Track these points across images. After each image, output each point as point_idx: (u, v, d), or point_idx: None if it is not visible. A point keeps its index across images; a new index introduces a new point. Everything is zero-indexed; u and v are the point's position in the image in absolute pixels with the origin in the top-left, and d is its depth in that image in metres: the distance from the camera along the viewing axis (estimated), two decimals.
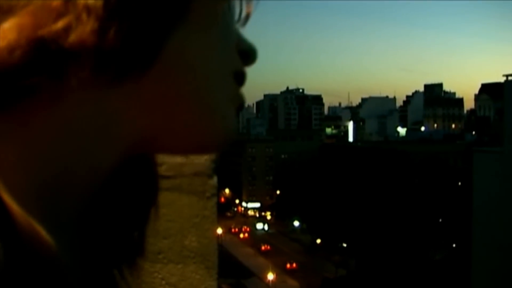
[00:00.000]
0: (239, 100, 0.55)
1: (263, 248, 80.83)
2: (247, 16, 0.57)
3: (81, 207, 0.49)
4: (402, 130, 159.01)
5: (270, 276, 63.92)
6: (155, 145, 0.53)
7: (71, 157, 0.46)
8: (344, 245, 72.96)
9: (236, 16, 0.56)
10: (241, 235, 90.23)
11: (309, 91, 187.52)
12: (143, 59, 0.45)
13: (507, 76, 29.95)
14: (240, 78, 0.55)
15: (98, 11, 0.41)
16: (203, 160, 1.49)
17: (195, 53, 0.49)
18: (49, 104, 0.43)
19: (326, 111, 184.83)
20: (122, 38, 0.43)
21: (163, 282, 1.50)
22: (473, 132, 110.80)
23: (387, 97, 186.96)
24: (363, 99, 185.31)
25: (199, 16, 0.49)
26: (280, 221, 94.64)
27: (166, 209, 1.48)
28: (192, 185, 1.49)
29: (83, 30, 0.41)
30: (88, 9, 0.41)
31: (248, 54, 0.57)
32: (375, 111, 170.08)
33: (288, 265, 70.72)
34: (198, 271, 1.51)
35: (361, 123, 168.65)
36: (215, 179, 1.51)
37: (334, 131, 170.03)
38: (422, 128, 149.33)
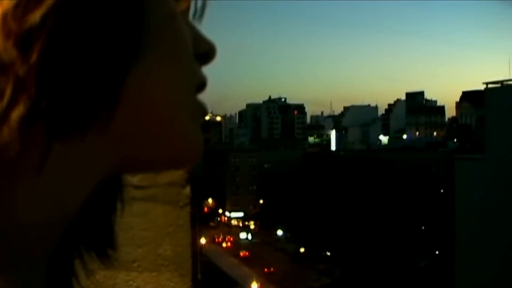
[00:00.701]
0: (203, 112, 0.55)
1: (243, 254, 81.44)
2: (203, 9, 0.55)
3: (50, 248, 0.48)
4: (384, 138, 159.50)
5: (254, 286, 63.83)
6: (126, 169, 0.53)
7: (41, 205, 0.45)
8: (328, 253, 73.02)
9: (192, 13, 0.55)
10: (224, 245, 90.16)
11: (292, 100, 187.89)
12: (103, 108, 0.44)
13: (487, 84, 30.19)
14: (201, 87, 0.55)
15: (30, 90, 0.39)
16: (176, 170, 1.51)
17: (154, 82, 0.49)
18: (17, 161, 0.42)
19: (308, 120, 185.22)
20: (70, 99, 0.42)
21: None
22: (455, 140, 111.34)
23: (369, 105, 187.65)
24: (346, 108, 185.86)
25: (153, 47, 0.48)
26: (264, 231, 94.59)
27: (141, 219, 1.50)
28: (166, 194, 1.52)
29: (24, 105, 0.39)
30: (21, 84, 0.39)
31: (207, 55, 0.56)
32: (358, 119, 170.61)
33: (266, 269, 71.42)
34: (173, 279, 1.53)
35: (343, 132, 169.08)
36: (188, 189, 1.54)
37: (317, 140, 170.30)
38: (405, 136, 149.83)
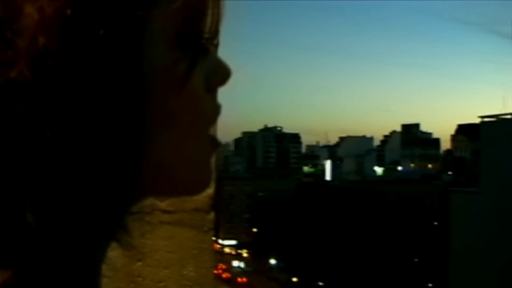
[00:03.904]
0: (215, 147, 0.57)
1: (240, 280, 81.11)
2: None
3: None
4: (379, 170, 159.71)
5: None
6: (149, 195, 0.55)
7: None
8: (321, 284, 72.73)
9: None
10: (224, 275, 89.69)
11: (288, 129, 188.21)
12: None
13: (482, 117, 30.42)
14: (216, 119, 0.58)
15: None
16: (202, 197, 1.62)
17: (173, 153, 0.51)
18: None
19: (304, 149, 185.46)
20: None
21: None
22: (450, 172, 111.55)
23: (364, 136, 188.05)
24: (341, 138, 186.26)
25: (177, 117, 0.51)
26: (257, 259, 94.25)
27: (168, 241, 1.61)
28: (192, 219, 1.63)
29: None
30: None
31: (223, 81, 0.57)
32: (353, 150, 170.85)
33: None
34: None
35: (338, 162, 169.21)
36: (212, 214, 1.65)
37: (312, 170, 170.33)
38: (399, 168, 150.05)
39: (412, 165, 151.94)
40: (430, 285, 59.43)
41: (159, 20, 0.47)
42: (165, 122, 0.49)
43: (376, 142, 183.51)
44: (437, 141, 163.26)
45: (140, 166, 0.47)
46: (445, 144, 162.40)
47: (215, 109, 0.56)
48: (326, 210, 75.29)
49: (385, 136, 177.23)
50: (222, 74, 0.57)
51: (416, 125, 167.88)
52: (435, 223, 63.82)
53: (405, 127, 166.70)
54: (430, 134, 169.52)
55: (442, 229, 48.51)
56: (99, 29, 0.42)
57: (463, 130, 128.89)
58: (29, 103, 0.40)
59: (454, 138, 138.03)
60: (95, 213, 0.45)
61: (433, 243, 59.79)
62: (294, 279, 77.71)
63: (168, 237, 1.61)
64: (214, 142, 0.56)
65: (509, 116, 28.91)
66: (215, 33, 0.54)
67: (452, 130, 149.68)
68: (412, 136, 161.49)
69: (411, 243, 63.63)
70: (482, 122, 30.50)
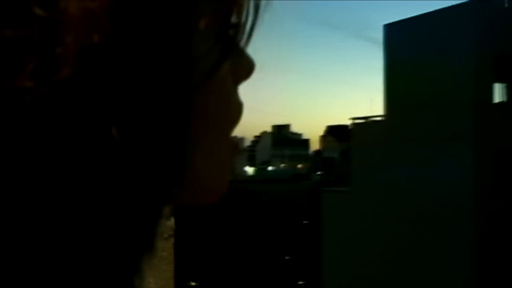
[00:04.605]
0: (236, 150, 0.56)
1: None
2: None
3: None
4: (250, 170, 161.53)
5: None
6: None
7: None
8: (193, 283, 72.55)
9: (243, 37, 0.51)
10: None
11: None
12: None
13: (353, 119, 31.30)
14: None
15: None
16: None
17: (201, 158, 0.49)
18: None
19: None
20: None
21: None
22: (319, 172, 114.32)
23: (235, 137, 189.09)
24: None
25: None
26: None
27: None
28: None
29: None
30: None
31: (248, 75, 0.56)
32: None
33: None
34: None
35: None
36: (172, 221, 1.53)
37: None
38: (270, 168, 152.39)
39: (282, 165, 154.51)
40: (300, 282, 60.59)
41: (205, 15, 0.46)
42: (201, 124, 0.47)
43: (247, 143, 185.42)
44: (307, 142, 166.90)
45: (184, 170, 0.45)
46: (315, 145, 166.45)
47: (240, 107, 0.54)
48: (195, 208, 75.12)
49: (256, 137, 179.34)
50: (247, 66, 0.55)
51: (287, 126, 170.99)
52: (305, 221, 65.19)
53: (276, 127, 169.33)
54: (300, 135, 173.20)
55: (313, 227, 49.61)
56: (150, 25, 0.40)
57: (332, 131, 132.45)
58: (81, 102, 0.38)
59: (323, 138, 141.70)
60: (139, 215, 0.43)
61: (304, 241, 61.09)
62: None
63: None
64: (236, 147, 0.55)
65: (377, 118, 29.87)
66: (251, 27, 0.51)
67: (321, 131, 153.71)
68: (282, 137, 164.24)
69: (282, 242, 64.73)
70: (353, 124, 31.35)
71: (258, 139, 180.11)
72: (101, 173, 0.39)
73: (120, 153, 0.39)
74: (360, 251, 26.67)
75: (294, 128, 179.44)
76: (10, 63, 0.35)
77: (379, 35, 25.30)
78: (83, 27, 0.37)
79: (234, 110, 0.53)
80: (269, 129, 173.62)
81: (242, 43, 0.51)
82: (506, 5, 23.12)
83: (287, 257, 64.57)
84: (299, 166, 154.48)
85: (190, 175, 0.47)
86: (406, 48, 25.03)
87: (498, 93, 23.62)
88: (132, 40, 0.40)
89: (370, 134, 28.45)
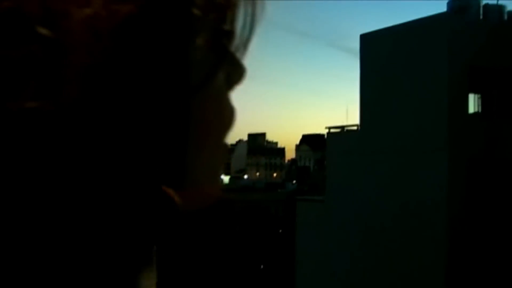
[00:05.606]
0: (227, 154, 0.56)
1: None
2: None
3: None
4: (225, 178, 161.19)
5: None
6: None
7: None
8: None
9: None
10: None
11: None
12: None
13: (329, 128, 31.33)
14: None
15: None
16: None
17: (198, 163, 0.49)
18: None
19: None
20: None
21: None
22: (294, 181, 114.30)
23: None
24: None
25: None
26: None
27: None
28: None
29: None
30: None
31: (240, 80, 0.56)
32: None
33: None
34: None
35: None
36: None
37: None
38: (245, 176, 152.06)
39: (257, 173, 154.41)
40: None
41: (202, 22, 0.46)
42: (197, 129, 0.47)
43: None
44: (282, 151, 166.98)
45: (184, 175, 0.46)
46: (290, 154, 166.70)
47: (233, 112, 0.54)
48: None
49: (232, 145, 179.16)
50: (239, 72, 0.55)
51: (262, 135, 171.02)
52: (280, 230, 65.10)
53: (252, 136, 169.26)
54: (275, 143, 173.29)
55: (287, 236, 49.52)
56: (151, 44, 0.41)
57: (307, 140, 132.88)
58: (85, 118, 0.38)
59: (298, 147, 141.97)
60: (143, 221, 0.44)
61: (278, 250, 60.97)
62: None
63: None
64: (227, 151, 0.55)
65: (353, 128, 29.93)
66: (250, 33, 0.51)
67: (297, 140, 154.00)
68: (258, 146, 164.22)
69: (257, 251, 64.57)
70: (329, 133, 31.39)
71: (233, 147, 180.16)
72: (105, 180, 0.40)
73: (124, 162, 0.41)
74: (333, 260, 26.66)
75: (270, 137, 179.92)
76: (14, 82, 0.35)
77: (356, 45, 25.30)
78: (87, 46, 0.37)
79: (228, 114, 0.53)
80: (244, 137, 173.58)
81: (239, 51, 0.51)
82: (480, 16, 23.34)
83: (262, 266, 64.42)
84: (275, 175, 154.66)
85: (188, 179, 0.48)
86: (382, 58, 25.12)
87: (472, 104, 23.77)
88: (134, 58, 0.40)
89: (345, 144, 28.49)
